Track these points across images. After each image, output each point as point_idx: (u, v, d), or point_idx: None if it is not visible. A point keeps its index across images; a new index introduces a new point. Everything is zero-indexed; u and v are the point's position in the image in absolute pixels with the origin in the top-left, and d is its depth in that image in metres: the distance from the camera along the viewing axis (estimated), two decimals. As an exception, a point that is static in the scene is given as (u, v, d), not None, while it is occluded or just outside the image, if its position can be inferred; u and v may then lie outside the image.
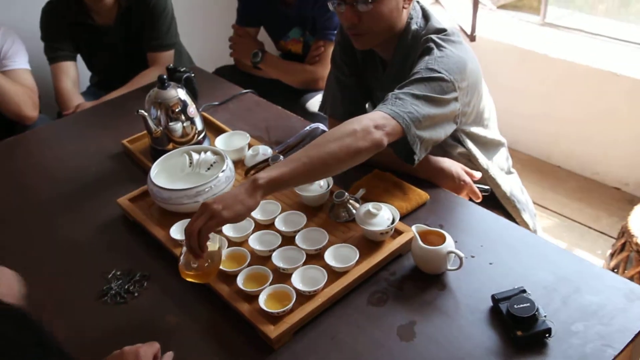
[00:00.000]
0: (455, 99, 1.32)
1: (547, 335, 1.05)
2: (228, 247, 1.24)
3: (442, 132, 1.33)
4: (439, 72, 1.28)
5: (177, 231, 1.30)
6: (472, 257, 1.24)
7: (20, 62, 2.11)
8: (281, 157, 1.50)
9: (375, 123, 1.17)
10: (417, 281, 1.18)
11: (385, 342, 1.06)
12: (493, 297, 1.13)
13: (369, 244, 1.24)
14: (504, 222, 1.35)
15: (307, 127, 1.66)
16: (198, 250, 1.05)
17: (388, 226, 1.24)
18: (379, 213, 1.25)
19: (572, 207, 2.53)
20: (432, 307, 1.13)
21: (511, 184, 1.60)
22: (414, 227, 1.23)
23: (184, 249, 1.09)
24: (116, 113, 1.97)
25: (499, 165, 1.61)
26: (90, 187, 1.58)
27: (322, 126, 1.66)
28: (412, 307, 1.12)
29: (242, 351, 1.08)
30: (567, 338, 1.05)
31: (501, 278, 1.16)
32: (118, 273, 1.28)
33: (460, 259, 1.18)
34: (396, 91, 1.28)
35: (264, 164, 1.51)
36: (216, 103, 1.94)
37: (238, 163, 1.54)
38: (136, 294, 1.22)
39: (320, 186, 1.38)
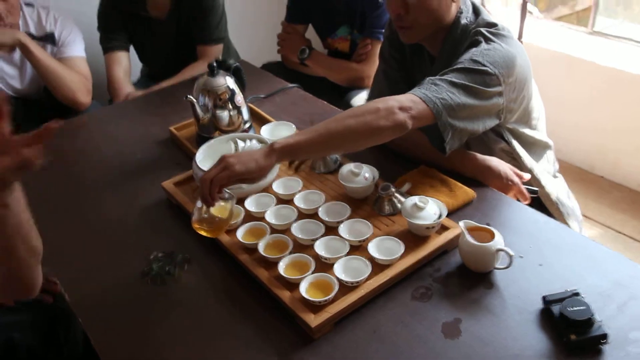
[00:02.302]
0: (500, 94, 1.25)
1: (602, 341, 0.97)
2: (270, 234, 1.20)
3: (481, 125, 1.27)
4: (483, 65, 1.22)
5: None
6: (521, 257, 1.16)
7: (76, 49, 2.12)
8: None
9: (400, 104, 1.13)
10: (463, 278, 1.12)
11: (428, 338, 1.00)
12: (544, 298, 1.05)
13: (414, 238, 1.19)
14: (554, 223, 1.27)
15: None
16: (208, 198, 1.06)
17: (435, 221, 1.18)
18: (426, 207, 1.19)
19: (616, 218, 2.41)
20: (478, 305, 1.07)
21: (557, 188, 1.52)
22: (461, 223, 1.16)
23: (198, 203, 1.10)
24: (165, 101, 1.95)
25: (544, 168, 1.53)
26: (136, 170, 1.56)
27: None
28: (457, 305, 1.06)
29: (280, 339, 1.03)
30: (624, 346, 0.97)
31: (551, 280, 1.09)
32: (160, 255, 1.23)
33: (510, 257, 1.11)
34: (434, 77, 1.22)
35: None
36: (262, 96, 1.90)
37: None
38: (176, 276, 1.19)
39: (365, 178, 1.32)
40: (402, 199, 1.27)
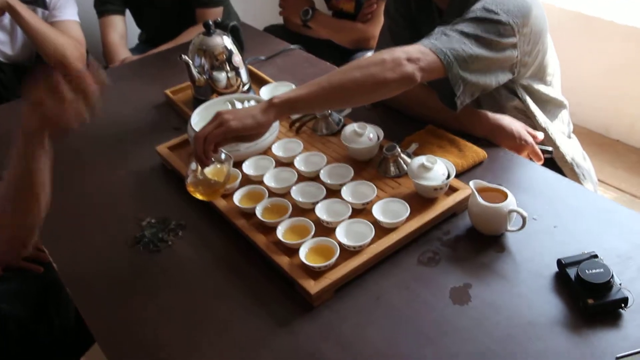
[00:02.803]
0: (514, 46, 1.18)
1: (622, 305, 0.90)
2: (268, 198, 1.15)
3: (493, 79, 1.20)
4: (497, 13, 1.15)
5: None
6: (534, 219, 1.10)
7: (69, 13, 2.04)
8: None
9: (408, 55, 1.06)
10: (473, 242, 1.07)
11: (436, 304, 0.96)
12: (559, 261, 0.98)
13: (421, 200, 1.13)
14: (570, 183, 1.20)
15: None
16: (203, 157, 1.00)
17: (443, 181, 1.12)
18: (434, 167, 1.13)
19: (632, 182, 2.33)
20: (489, 270, 1.01)
21: (572, 149, 1.44)
22: (471, 183, 1.09)
23: (193, 164, 1.05)
24: (161, 64, 1.90)
25: (558, 128, 1.46)
26: (131, 136, 1.51)
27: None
28: (467, 269, 1.01)
29: (279, 307, 0.99)
30: (646, 310, 0.89)
31: (567, 243, 1.03)
32: (153, 221, 1.20)
33: (523, 218, 1.04)
34: (444, 27, 1.15)
35: (310, 116, 1.41)
36: (263, 58, 1.83)
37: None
38: (170, 243, 1.14)
39: (369, 139, 1.26)
40: (408, 160, 1.22)
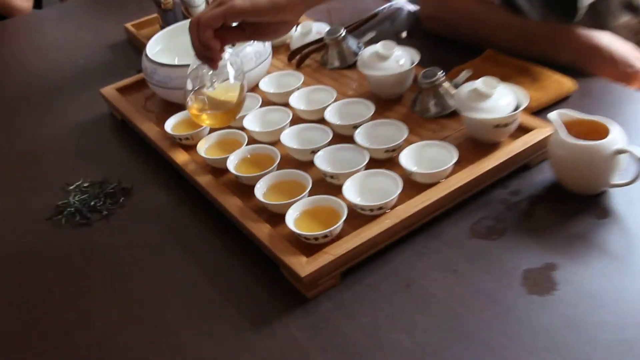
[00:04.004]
0: None
1: None
2: (248, 146, 1.05)
3: None
4: None
5: (173, 123, 1.14)
6: (653, 170, 0.92)
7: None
8: (343, 31, 1.26)
9: None
10: (557, 204, 0.92)
11: (500, 295, 0.80)
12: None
13: (475, 145, 1.00)
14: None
15: (386, 5, 1.46)
16: (201, 49, 0.90)
17: (509, 114, 0.95)
18: (494, 93, 0.97)
19: None
20: (584, 244, 0.85)
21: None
22: (554, 114, 0.91)
23: (189, 83, 0.97)
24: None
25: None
26: (74, 82, 1.47)
27: (406, 4, 1.46)
28: (548, 244, 0.87)
29: (258, 300, 0.86)
30: None
31: None
32: (85, 185, 1.10)
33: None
34: None
35: (317, 44, 1.31)
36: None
37: (281, 48, 1.38)
38: (105, 213, 1.05)
39: (398, 64, 1.12)
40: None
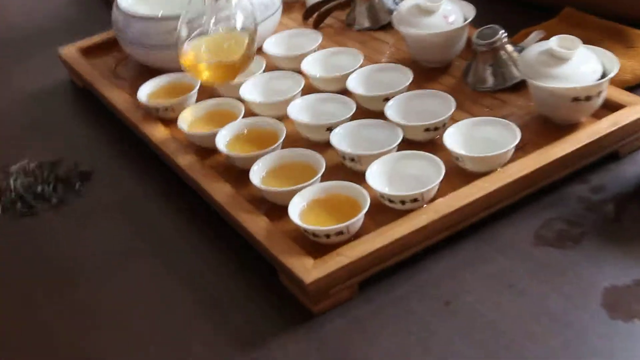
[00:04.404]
0: None
1: None
2: (245, 119, 1.09)
3: None
4: None
5: (149, 91, 1.18)
6: None
7: None
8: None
9: None
10: None
11: (573, 318, 0.82)
12: None
13: (545, 126, 1.04)
14: None
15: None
16: None
17: (593, 83, 0.98)
18: (573, 56, 0.99)
19: None
20: None
21: None
22: None
23: (183, 28, 1.04)
24: None
25: None
26: (27, 41, 1.54)
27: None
28: (639, 255, 0.89)
29: (251, 315, 0.89)
30: None
31: None
32: (31, 166, 1.15)
33: None
34: None
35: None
36: None
37: (295, 5, 1.45)
38: (55, 201, 1.09)
39: (447, 20, 1.15)
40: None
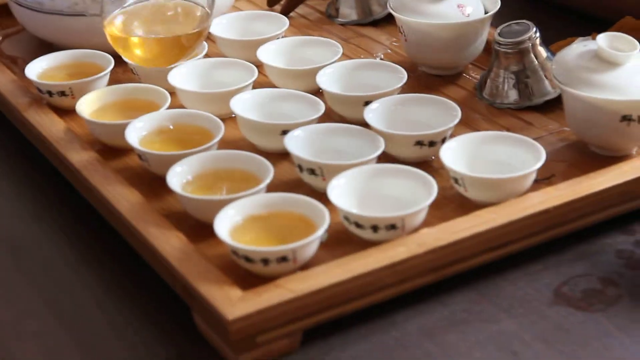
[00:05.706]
0: None
1: None
2: (169, 109, 1.13)
3: None
4: None
5: (43, 70, 1.22)
6: None
7: None
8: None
9: None
10: None
11: None
12: None
13: (581, 153, 1.08)
14: None
15: None
16: None
17: None
18: (626, 60, 1.02)
19: None
20: None
21: None
22: None
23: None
24: None
25: None
26: None
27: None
28: None
29: None
30: None
31: None
32: None
33: None
34: None
35: None
36: None
37: None
38: None
39: (463, 12, 1.20)
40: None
